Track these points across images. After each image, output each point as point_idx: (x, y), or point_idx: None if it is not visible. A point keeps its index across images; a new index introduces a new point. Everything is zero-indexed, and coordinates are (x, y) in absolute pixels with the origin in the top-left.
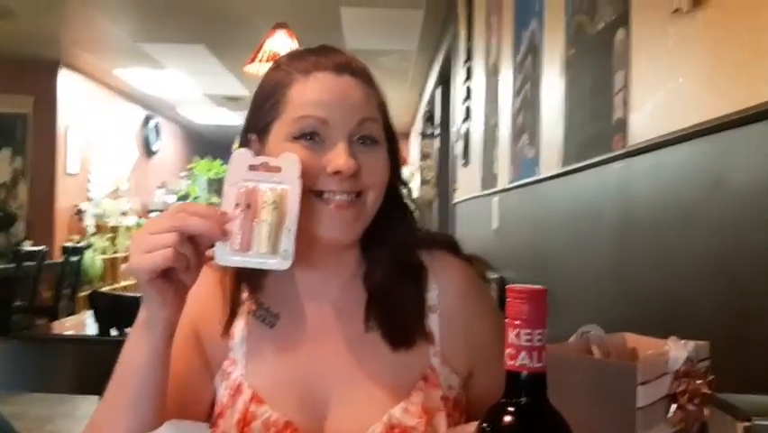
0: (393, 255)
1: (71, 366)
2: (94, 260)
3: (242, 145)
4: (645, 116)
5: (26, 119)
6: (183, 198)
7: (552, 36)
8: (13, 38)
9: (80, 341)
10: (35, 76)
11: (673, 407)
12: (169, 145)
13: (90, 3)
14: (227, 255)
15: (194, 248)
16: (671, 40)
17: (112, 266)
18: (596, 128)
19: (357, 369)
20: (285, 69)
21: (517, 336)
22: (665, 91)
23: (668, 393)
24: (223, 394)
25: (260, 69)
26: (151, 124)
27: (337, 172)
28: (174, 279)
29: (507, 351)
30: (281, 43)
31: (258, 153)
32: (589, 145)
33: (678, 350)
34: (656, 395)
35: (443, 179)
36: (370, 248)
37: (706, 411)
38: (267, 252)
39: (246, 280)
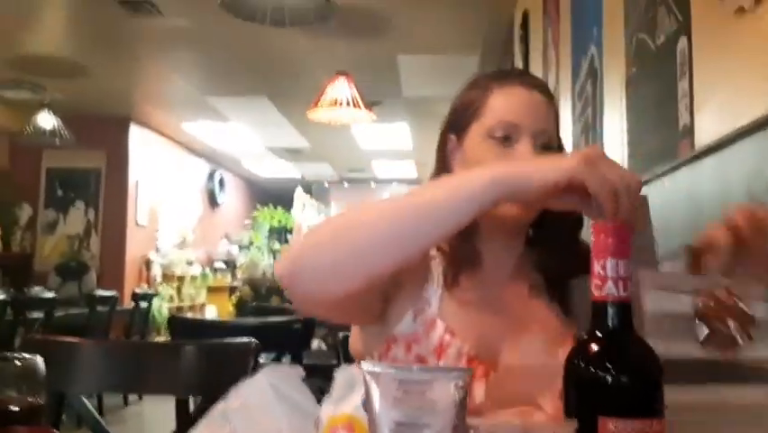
0: (564, 235)
1: (156, 368)
2: (161, 308)
3: (441, 144)
4: (711, 119)
5: (99, 174)
6: (246, 247)
7: (612, 58)
8: (87, 96)
9: (165, 345)
10: (107, 132)
11: (702, 328)
12: (232, 197)
13: (160, 59)
14: None
15: None
16: (734, 39)
17: (177, 312)
18: (661, 139)
19: (526, 320)
20: (483, 83)
21: (603, 267)
22: (729, 90)
23: (692, 312)
24: (416, 325)
25: (321, 115)
26: (216, 177)
27: None
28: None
29: (594, 282)
30: (342, 90)
31: (453, 152)
32: (654, 157)
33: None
34: (673, 308)
35: None
36: (542, 228)
37: (737, 330)
38: None
39: (452, 247)
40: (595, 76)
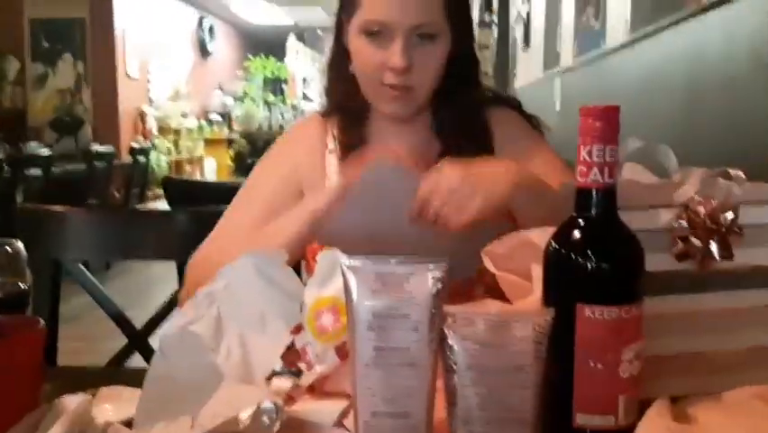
0: (461, 116)
1: (151, 235)
2: (159, 160)
3: (336, 24)
4: None
5: (83, 23)
6: (240, 99)
7: None
8: None
9: (157, 213)
10: None
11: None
12: (223, 46)
13: None
14: None
15: None
16: None
17: (177, 166)
18: None
19: None
20: None
21: (589, 152)
22: None
23: (669, 226)
24: None
25: None
26: (205, 24)
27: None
28: None
29: (579, 168)
30: None
31: (346, 34)
32: (659, 7)
33: (692, 182)
34: (652, 224)
35: (501, 68)
36: (441, 108)
37: (713, 247)
38: None
39: (341, 133)
40: None
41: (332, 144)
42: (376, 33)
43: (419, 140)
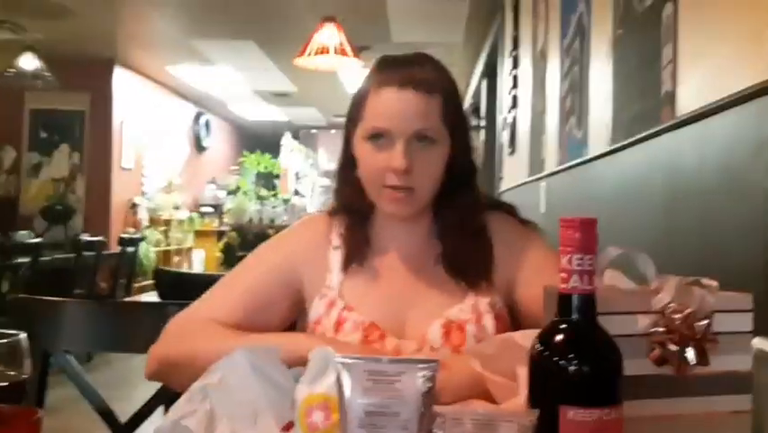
0: (460, 218)
1: (142, 327)
2: (148, 251)
3: (345, 134)
4: (693, 87)
5: (83, 116)
6: (233, 192)
7: (600, 17)
8: (70, 37)
9: (147, 305)
10: (91, 74)
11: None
12: (218, 141)
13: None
14: None
15: None
16: (720, 8)
17: (165, 258)
18: (644, 103)
19: (427, 289)
20: (366, 81)
21: (569, 261)
22: (713, 60)
23: (646, 331)
24: (319, 308)
25: (308, 62)
26: (202, 120)
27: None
28: None
29: (561, 275)
30: (330, 37)
31: (351, 143)
32: (637, 121)
33: (668, 290)
34: (630, 329)
35: (488, 170)
36: (441, 210)
37: (690, 353)
38: None
39: (347, 232)
40: (583, 34)
41: (336, 241)
42: (379, 139)
43: (420, 240)
